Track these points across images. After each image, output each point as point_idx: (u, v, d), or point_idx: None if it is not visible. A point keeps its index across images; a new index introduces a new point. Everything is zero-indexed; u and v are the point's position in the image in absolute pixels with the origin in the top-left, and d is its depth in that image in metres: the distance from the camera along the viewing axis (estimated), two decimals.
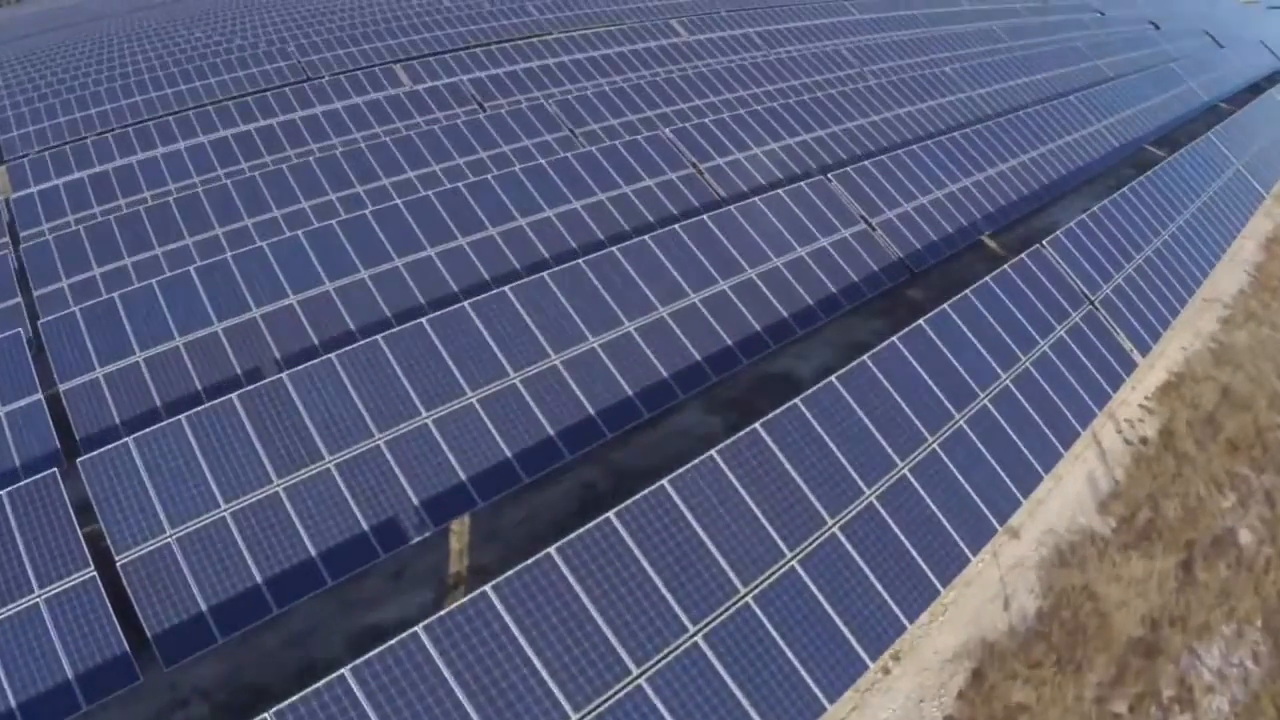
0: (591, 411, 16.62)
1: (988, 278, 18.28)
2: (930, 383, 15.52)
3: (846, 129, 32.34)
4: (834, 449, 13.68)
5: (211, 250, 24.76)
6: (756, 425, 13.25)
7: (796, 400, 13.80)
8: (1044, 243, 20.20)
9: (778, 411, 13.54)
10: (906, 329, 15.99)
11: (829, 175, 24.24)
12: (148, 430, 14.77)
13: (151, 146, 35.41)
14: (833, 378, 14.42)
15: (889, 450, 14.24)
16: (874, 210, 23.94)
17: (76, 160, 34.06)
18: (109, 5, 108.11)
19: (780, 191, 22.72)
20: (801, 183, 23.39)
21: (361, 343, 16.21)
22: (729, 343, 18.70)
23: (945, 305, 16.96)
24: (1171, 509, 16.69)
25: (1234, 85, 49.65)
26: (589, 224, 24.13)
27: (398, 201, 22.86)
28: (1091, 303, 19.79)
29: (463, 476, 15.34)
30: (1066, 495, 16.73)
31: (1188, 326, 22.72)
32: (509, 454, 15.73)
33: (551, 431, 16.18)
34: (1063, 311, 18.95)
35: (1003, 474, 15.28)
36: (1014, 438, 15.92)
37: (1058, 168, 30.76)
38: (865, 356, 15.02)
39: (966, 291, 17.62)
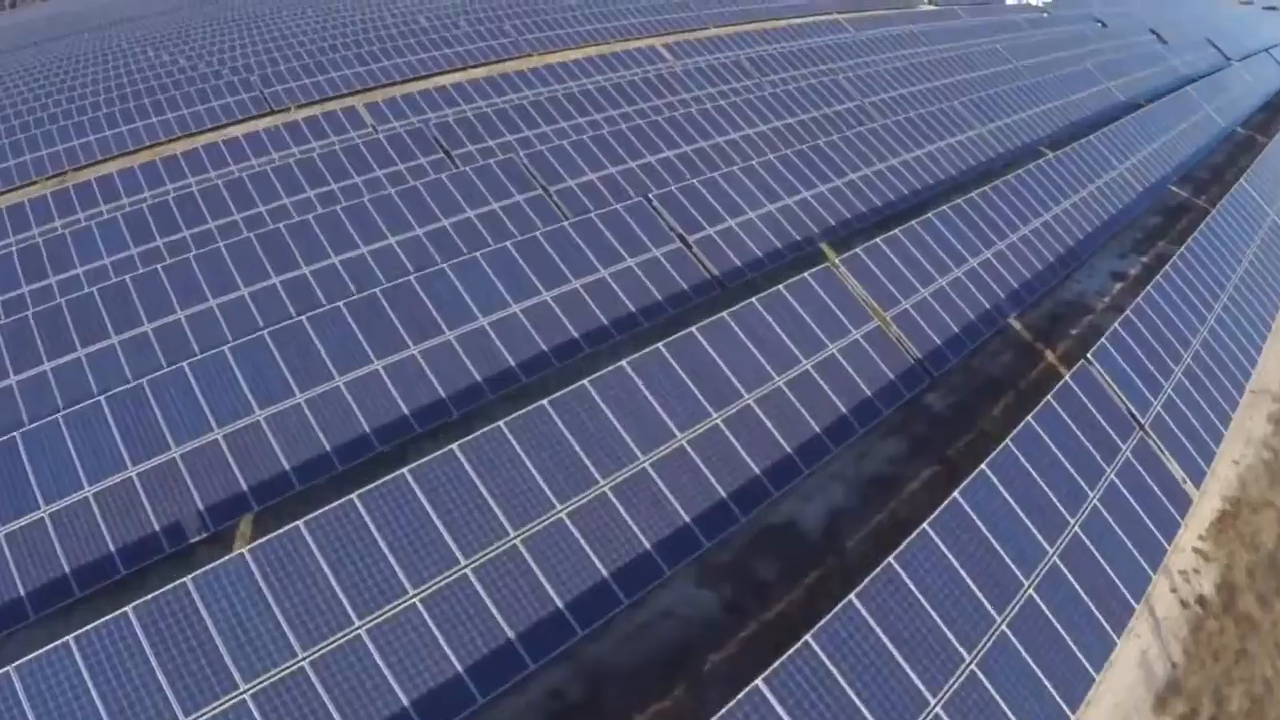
0: (559, 604, 13.85)
1: (1030, 417, 15.52)
2: (967, 578, 12.81)
3: (850, 182, 29.57)
4: (853, 697, 10.98)
5: (139, 350, 21.93)
6: (758, 682, 10.50)
7: (807, 637, 11.07)
8: (1089, 356, 17.48)
9: (786, 657, 10.81)
10: (939, 509, 13.23)
11: (837, 261, 21.41)
12: (30, 658, 12.23)
13: (93, 204, 32.63)
14: (852, 596, 11.69)
15: (919, 684, 11.54)
16: (888, 301, 21.14)
17: (12, 223, 31.39)
18: (85, 18, 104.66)
19: (781, 288, 19.87)
20: (805, 273, 20.50)
21: (280, 531, 13.42)
22: (722, 495, 15.91)
23: (984, 465, 14.21)
24: (1236, 700, 14.14)
25: (1248, 106, 47.03)
26: (562, 320, 21.31)
27: (340, 304, 19.99)
28: (1142, 427, 17.11)
29: (405, 702, 12.60)
30: (1118, 690, 14.00)
31: (1238, 431, 20.01)
32: (460, 669, 12.98)
33: (511, 634, 13.41)
34: (1112, 447, 16.25)
35: (1049, 686, 12.63)
36: (1062, 633, 13.25)
37: (1081, 224, 28.01)
38: (891, 558, 12.28)
39: (1007, 441, 14.87)
